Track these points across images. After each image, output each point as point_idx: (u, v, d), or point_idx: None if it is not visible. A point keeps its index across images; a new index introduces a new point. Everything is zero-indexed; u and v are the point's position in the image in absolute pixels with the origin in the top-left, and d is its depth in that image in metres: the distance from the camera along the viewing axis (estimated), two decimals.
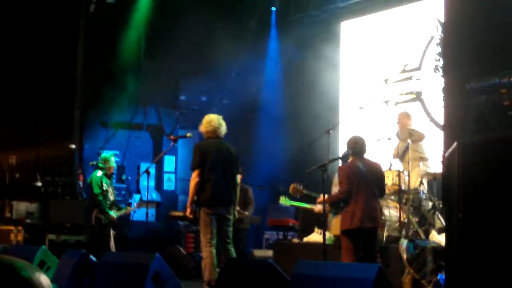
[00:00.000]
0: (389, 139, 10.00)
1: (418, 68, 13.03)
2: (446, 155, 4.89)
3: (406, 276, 8.83)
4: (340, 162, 9.87)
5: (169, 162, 15.65)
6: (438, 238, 9.05)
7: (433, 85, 12.63)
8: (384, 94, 13.49)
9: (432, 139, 11.73)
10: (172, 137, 9.95)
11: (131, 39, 15.53)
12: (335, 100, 14.39)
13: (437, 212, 10.14)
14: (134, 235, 13.67)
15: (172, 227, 14.37)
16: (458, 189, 4.38)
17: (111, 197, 11.42)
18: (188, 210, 9.06)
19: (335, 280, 6.33)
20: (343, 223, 8.30)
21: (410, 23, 13.26)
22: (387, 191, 9.38)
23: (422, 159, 10.58)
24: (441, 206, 10.17)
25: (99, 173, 11.38)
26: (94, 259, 9.35)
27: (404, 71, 13.25)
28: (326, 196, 8.63)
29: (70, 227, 11.53)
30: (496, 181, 4.25)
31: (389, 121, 11.51)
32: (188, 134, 9.76)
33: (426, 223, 10.10)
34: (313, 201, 9.41)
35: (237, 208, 11.75)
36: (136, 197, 15.02)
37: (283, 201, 10.17)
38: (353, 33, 14.62)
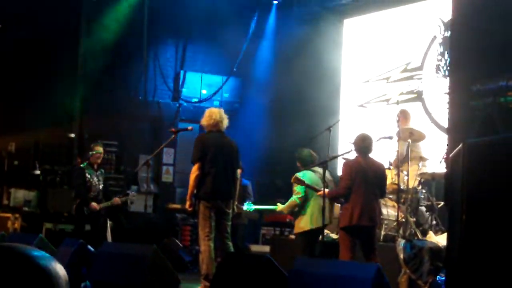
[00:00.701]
0: (391, 138, 10.00)
1: (420, 68, 13.03)
2: (451, 156, 4.90)
3: (403, 276, 8.84)
4: (339, 160, 9.94)
5: (167, 155, 15.65)
6: (436, 239, 9.06)
7: (434, 85, 12.64)
8: (385, 92, 13.49)
9: (432, 139, 11.74)
10: (173, 129, 9.92)
11: (133, 28, 15.53)
12: (335, 97, 14.39)
13: (434, 213, 10.15)
14: (131, 226, 13.66)
15: (169, 219, 14.38)
16: (462, 190, 4.38)
17: (99, 187, 11.37)
18: (188, 203, 9.06)
19: (334, 278, 6.35)
20: (342, 220, 8.33)
21: (412, 23, 13.25)
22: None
23: (422, 158, 10.59)
24: (439, 206, 10.19)
25: (82, 163, 11.36)
26: (91, 249, 9.36)
27: (405, 70, 13.25)
28: (327, 191, 8.66)
29: (67, 216, 11.52)
30: (500, 183, 4.26)
31: (389, 120, 11.51)
32: (189, 127, 9.75)
33: (423, 223, 10.11)
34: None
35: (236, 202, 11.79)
36: (134, 188, 15.02)
37: (246, 207, 10.31)
38: (356, 31, 14.61)
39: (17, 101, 14.11)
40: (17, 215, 12.90)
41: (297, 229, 9.44)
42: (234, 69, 15.90)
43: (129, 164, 15.19)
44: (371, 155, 8.61)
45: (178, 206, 14.18)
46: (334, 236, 10.56)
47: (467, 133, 4.91)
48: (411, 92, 13.04)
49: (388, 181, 9.88)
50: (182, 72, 16.08)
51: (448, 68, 12.00)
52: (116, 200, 11.45)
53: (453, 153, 4.85)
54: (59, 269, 1.62)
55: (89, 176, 11.23)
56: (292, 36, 14.85)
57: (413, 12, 13.33)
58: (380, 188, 8.56)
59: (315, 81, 14.25)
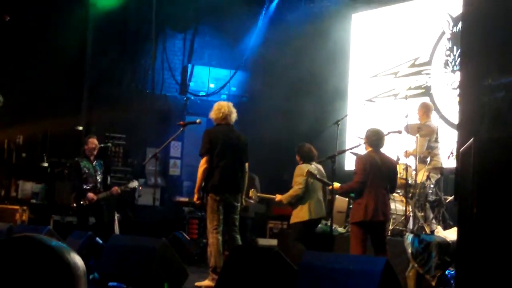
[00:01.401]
0: (399, 132, 10.00)
1: (428, 63, 13.01)
2: (461, 151, 4.89)
3: (410, 271, 8.84)
4: (347, 154, 9.96)
5: (175, 148, 15.66)
6: (444, 233, 9.05)
7: (442, 81, 12.62)
8: (393, 87, 13.47)
9: (440, 134, 11.73)
10: (181, 122, 9.93)
11: (141, 21, 15.53)
12: (343, 92, 14.37)
13: (443, 208, 10.15)
14: (139, 219, 13.69)
15: (176, 212, 14.40)
16: (473, 184, 4.38)
17: (97, 178, 11.40)
18: (196, 196, 9.07)
19: (343, 272, 6.35)
20: (355, 215, 8.31)
21: (421, 18, 13.23)
22: None
23: (430, 154, 10.58)
24: (447, 201, 10.19)
25: (79, 158, 11.41)
26: (100, 241, 9.40)
27: (413, 65, 13.23)
28: (339, 185, 8.68)
29: (74, 207, 11.53)
30: (511, 177, 4.25)
31: (397, 115, 11.50)
32: (198, 120, 9.76)
33: (431, 218, 10.11)
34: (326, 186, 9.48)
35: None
36: (141, 181, 15.05)
37: (252, 193, 10.32)
38: (364, 25, 14.58)
39: (24, 94, 14.13)
40: (25, 207, 12.94)
41: (294, 219, 9.51)
42: (242, 63, 15.91)
43: (136, 157, 15.22)
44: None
45: (185, 199, 14.20)
46: (340, 229, 10.58)
47: (478, 128, 4.90)
48: (419, 87, 13.03)
49: None
50: (189, 66, 16.09)
51: (457, 63, 11.99)
52: (115, 189, 11.42)
53: (463, 148, 4.85)
54: (78, 260, 1.63)
55: (85, 168, 11.27)
56: (300, 30, 14.82)
57: (422, 7, 13.30)
58: (391, 183, 8.55)
59: (323, 75, 14.23)
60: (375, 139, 8.49)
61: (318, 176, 9.16)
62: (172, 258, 8.50)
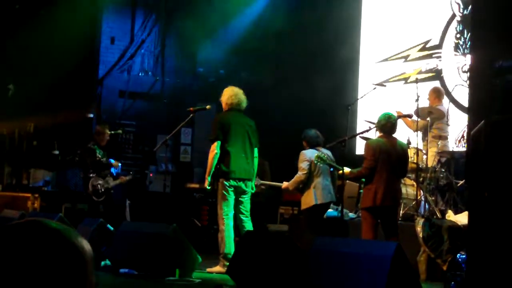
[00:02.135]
0: (410, 116, 9.95)
1: (439, 46, 12.93)
2: (472, 134, 4.86)
3: (422, 255, 8.83)
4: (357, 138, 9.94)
5: (185, 134, 15.67)
6: (455, 218, 9.03)
7: (453, 64, 12.55)
8: (403, 71, 13.41)
9: (451, 118, 11.68)
10: (191, 108, 9.91)
11: (151, 6, 15.53)
12: (354, 76, 14.31)
13: (454, 192, 10.12)
14: (149, 206, 13.72)
15: (187, 199, 14.41)
16: (484, 168, 4.36)
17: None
18: (206, 182, 9.08)
19: (354, 256, 6.35)
20: (365, 200, 8.28)
21: (431, 0, 13.14)
22: None
23: (441, 137, 10.54)
24: (458, 185, 10.15)
25: (92, 144, 11.47)
26: (111, 228, 9.42)
27: (424, 48, 13.15)
28: (349, 170, 8.64)
29: (86, 195, 11.59)
30: None
31: (408, 99, 11.46)
32: (208, 106, 9.74)
33: (443, 202, 10.08)
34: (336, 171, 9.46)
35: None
36: (152, 168, 15.07)
37: (256, 182, 10.31)
38: (374, 8, 14.49)
39: (35, 82, 14.15)
40: (36, 195, 12.99)
41: (303, 205, 9.51)
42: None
43: (147, 144, 15.23)
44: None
45: (196, 185, 14.21)
46: (351, 214, 10.57)
47: (488, 111, 4.86)
48: (430, 70, 12.96)
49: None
50: (199, 52, 16.05)
51: (468, 46, 11.91)
52: (122, 178, 11.66)
53: (474, 130, 4.82)
54: (85, 244, 1.63)
55: (100, 156, 11.37)
56: (309, 13, 14.75)
57: None
58: (402, 169, 8.51)
59: (333, 59, 14.17)
60: (386, 124, 8.43)
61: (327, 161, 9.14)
62: (183, 244, 8.52)
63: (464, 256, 7.67)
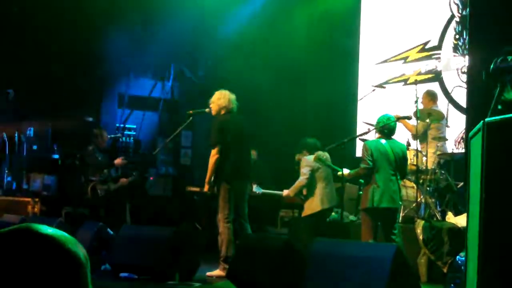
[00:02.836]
0: (409, 118, 9.95)
1: (438, 47, 12.93)
2: (470, 135, 4.85)
3: (422, 257, 8.82)
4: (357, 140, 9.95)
5: (186, 137, 15.66)
6: (455, 219, 9.02)
7: (452, 65, 12.54)
8: (402, 72, 13.40)
9: (450, 119, 11.67)
10: (190, 111, 9.91)
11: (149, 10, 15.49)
12: (353, 78, 14.29)
13: (454, 193, 10.10)
14: (150, 209, 13.70)
15: (187, 202, 14.39)
16: (482, 169, 4.34)
17: (106, 170, 11.50)
18: (206, 187, 9.06)
19: (353, 259, 6.34)
20: (363, 201, 8.30)
21: (430, 1, 13.14)
22: None
23: (441, 139, 10.53)
24: (458, 187, 10.14)
25: (91, 148, 11.47)
26: (111, 232, 9.42)
27: (423, 49, 13.15)
28: (348, 171, 8.66)
29: (86, 199, 11.59)
30: None
31: (407, 100, 11.46)
32: (207, 110, 9.73)
33: (443, 204, 10.07)
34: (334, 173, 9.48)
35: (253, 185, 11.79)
36: (152, 171, 15.05)
37: (256, 188, 10.29)
38: (373, 10, 14.48)
39: (34, 86, 14.14)
40: (36, 199, 12.97)
41: (308, 211, 9.52)
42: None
43: (147, 147, 15.22)
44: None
45: (197, 188, 14.18)
46: (351, 217, 10.56)
47: (486, 111, 4.86)
48: (429, 72, 12.95)
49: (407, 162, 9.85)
50: (198, 55, 16.02)
51: (467, 47, 11.90)
52: (123, 180, 11.58)
53: (472, 132, 4.81)
54: (81, 250, 1.62)
55: (100, 159, 11.38)
56: (307, 14, 14.73)
57: None
58: (401, 170, 8.51)
59: (331, 61, 14.16)
60: (385, 126, 8.45)
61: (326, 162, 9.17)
62: (183, 248, 8.52)
63: (463, 258, 7.66)
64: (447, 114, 10.84)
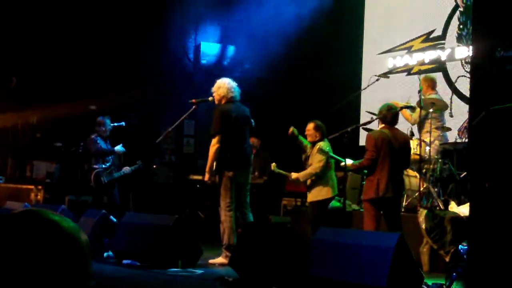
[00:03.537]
0: (413, 108, 9.93)
1: (442, 37, 12.90)
2: (473, 124, 4.85)
3: (424, 246, 8.83)
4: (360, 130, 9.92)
5: (188, 126, 15.66)
6: (458, 209, 9.02)
7: (456, 55, 12.52)
8: (406, 62, 13.37)
9: (454, 109, 11.66)
10: (193, 100, 9.87)
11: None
12: (357, 67, 14.28)
13: (456, 183, 10.10)
14: (153, 197, 13.72)
15: (190, 190, 14.41)
16: (485, 158, 4.35)
17: (109, 158, 11.51)
18: (207, 176, 9.04)
19: (356, 247, 6.35)
20: (367, 192, 8.24)
21: None
22: None
23: (444, 128, 10.52)
24: (461, 176, 10.13)
25: (94, 136, 11.46)
26: (114, 219, 9.43)
27: (427, 39, 13.12)
28: (351, 162, 8.62)
29: (89, 187, 11.62)
30: None
31: (411, 90, 11.44)
32: (210, 98, 9.71)
33: (445, 193, 10.07)
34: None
35: (256, 173, 11.81)
36: (156, 160, 15.06)
37: (274, 168, 10.18)
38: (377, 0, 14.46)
39: (37, 74, 14.15)
40: (39, 187, 13.01)
41: (318, 197, 9.32)
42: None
43: (150, 136, 15.22)
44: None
45: (199, 177, 14.21)
46: (354, 206, 10.56)
47: (489, 101, 4.85)
48: (433, 61, 12.93)
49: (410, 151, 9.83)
50: (202, 44, 16.02)
51: (471, 37, 11.87)
52: (126, 168, 11.62)
53: (475, 121, 4.81)
54: (82, 235, 1.64)
55: (103, 147, 11.38)
56: (313, 6, 14.71)
57: None
58: (404, 160, 8.47)
59: (336, 51, 14.15)
60: (388, 115, 8.40)
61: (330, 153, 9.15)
62: (185, 236, 8.53)
63: (466, 247, 7.67)
64: (450, 104, 10.82)
